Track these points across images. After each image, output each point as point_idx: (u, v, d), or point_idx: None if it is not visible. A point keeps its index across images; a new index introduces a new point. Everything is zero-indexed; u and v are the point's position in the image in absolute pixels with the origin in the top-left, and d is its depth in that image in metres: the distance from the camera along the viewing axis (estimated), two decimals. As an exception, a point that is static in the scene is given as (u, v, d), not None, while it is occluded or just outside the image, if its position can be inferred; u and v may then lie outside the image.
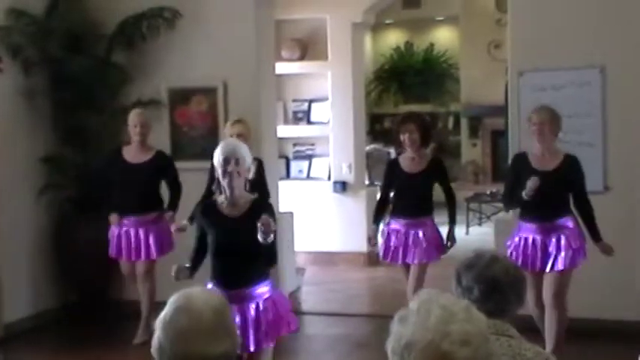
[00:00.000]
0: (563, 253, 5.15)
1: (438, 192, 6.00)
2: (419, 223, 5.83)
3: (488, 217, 10.94)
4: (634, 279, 6.03)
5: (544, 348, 2.69)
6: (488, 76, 12.32)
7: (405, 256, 5.82)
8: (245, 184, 4.17)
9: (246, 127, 5.95)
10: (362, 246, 8.94)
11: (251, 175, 4.21)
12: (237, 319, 4.04)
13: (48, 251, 6.97)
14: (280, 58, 8.54)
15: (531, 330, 5.10)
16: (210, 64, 6.93)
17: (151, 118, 6.48)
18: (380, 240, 6.01)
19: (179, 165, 6.45)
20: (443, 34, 14.30)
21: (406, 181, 5.85)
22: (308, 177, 9.17)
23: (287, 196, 8.06)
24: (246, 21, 6.90)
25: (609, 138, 6.08)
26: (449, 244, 5.91)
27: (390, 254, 5.89)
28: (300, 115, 9.18)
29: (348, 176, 9.04)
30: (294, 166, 9.24)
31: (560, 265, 5.15)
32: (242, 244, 4.08)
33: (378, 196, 6.32)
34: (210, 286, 4.11)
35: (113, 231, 6.21)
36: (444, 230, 5.95)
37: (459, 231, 10.52)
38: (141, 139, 6.17)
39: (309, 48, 9.06)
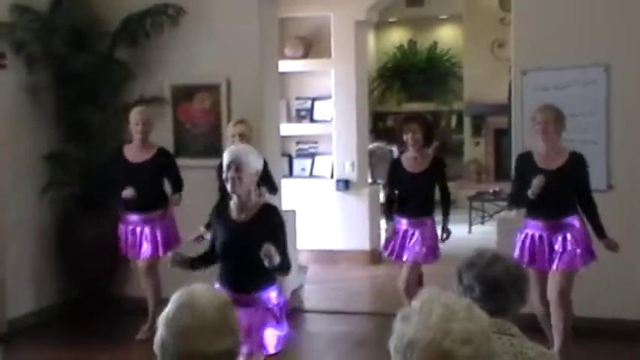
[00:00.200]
0: (574, 252, 5.15)
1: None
2: (419, 223, 5.86)
3: (491, 216, 10.93)
4: (636, 278, 6.02)
5: (547, 347, 2.69)
6: (492, 74, 12.30)
7: (401, 254, 5.86)
8: (253, 189, 4.17)
9: (248, 127, 5.95)
10: (364, 244, 8.96)
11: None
12: (245, 322, 4.04)
13: (51, 248, 6.98)
14: (284, 56, 8.54)
15: (534, 329, 5.11)
16: (214, 62, 6.93)
17: (154, 116, 6.48)
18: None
19: (182, 162, 6.46)
20: (446, 32, 14.29)
21: (409, 181, 5.86)
22: (311, 175, 9.18)
23: (290, 194, 8.06)
24: (250, 18, 6.90)
25: (613, 136, 6.07)
26: (444, 236, 5.96)
27: (390, 250, 5.95)
28: (303, 113, 9.18)
29: (351, 174, 9.04)
30: (297, 164, 9.24)
31: (565, 264, 5.15)
32: (246, 248, 4.09)
33: (383, 195, 6.33)
34: (216, 285, 4.12)
35: (121, 229, 6.23)
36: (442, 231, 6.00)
37: (462, 230, 10.64)
38: (142, 137, 6.16)
39: (312, 46, 9.06)
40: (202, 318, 2.00)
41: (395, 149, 10.95)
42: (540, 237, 5.23)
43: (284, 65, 8.27)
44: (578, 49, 6.13)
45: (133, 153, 6.20)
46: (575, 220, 5.23)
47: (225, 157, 4.15)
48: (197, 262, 4.31)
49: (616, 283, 6.01)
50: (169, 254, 4.25)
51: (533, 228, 5.27)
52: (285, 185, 7.73)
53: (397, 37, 14.43)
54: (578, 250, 5.16)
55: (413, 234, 5.83)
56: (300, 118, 9.18)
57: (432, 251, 5.86)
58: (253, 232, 4.09)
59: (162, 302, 5.38)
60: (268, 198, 5.00)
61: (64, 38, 6.88)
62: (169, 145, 6.76)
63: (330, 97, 9.05)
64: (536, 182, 5.05)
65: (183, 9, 6.95)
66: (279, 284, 4.34)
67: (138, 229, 6.18)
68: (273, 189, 6.07)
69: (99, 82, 6.88)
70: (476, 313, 1.76)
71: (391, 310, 1.96)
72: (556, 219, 5.21)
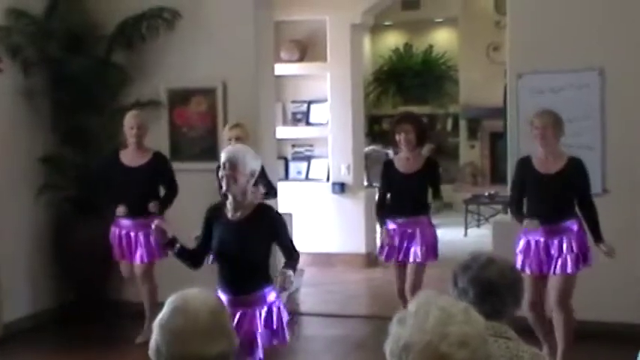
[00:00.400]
0: (568, 256, 5.15)
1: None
2: (415, 222, 5.84)
3: (487, 219, 10.93)
4: (633, 281, 6.02)
5: (540, 349, 2.70)
6: (487, 78, 12.32)
7: (400, 254, 5.83)
8: (249, 189, 4.17)
9: (244, 131, 5.96)
10: (360, 247, 8.96)
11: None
12: (244, 324, 4.04)
13: (46, 251, 6.97)
14: (279, 60, 8.54)
15: (530, 332, 5.12)
16: (210, 65, 6.93)
17: (150, 119, 6.48)
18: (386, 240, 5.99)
19: (178, 166, 6.45)
20: (442, 35, 14.30)
21: (401, 182, 5.86)
22: (307, 178, 9.18)
23: (286, 197, 8.06)
24: (246, 22, 6.90)
25: (608, 140, 6.08)
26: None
27: (386, 252, 5.91)
28: (299, 116, 9.18)
29: (347, 177, 9.04)
30: (293, 167, 9.25)
31: (567, 269, 5.15)
32: (241, 247, 4.10)
33: (377, 197, 6.31)
34: (219, 292, 4.11)
35: (114, 233, 6.21)
36: (441, 232, 5.97)
37: (458, 233, 10.65)
38: (137, 140, 6.15)
39: (308, 49, 9.07)
40: (195, 321, 2.00)
41: (391, 152, 10.95)
42: (537, 242, 5.24)
43: (280, 68, 8.27)
44: (572, 53, 6.14)
45: (130, 157, 6.19)
46: (574, 225, 5.23)
47: (222, 156, 4.17)
48: (182, 250, 4.23)
49: (614, 286, 5.99)
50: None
51: (533, 233, 5.26)
52: (281, 188, 7.72)
53: (393, 40, 14.44)
54: (573, 255, 5.16)
55: (412, 233, 5.80)
56: (296, 121, 9.18)
57: (431, 250, 5.84)
58: (249, 230, 4.10)
59: (158, 306, 5.37)
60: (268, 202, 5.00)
61: (60, 42, 6.88)
62: (165, 149, 6.76)
63: (325, 100, 9.06)
64: (530, 225, 5.15)
65: (179, 13, 6.95)
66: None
67: (132, 234, 6.16)
68: (273, 192, 6.07)
69: (95, 85, 6.88)
70: (472, 317, 1.76)
71: (387, 313, 1.96)
72: (555, 223, 5.21)
